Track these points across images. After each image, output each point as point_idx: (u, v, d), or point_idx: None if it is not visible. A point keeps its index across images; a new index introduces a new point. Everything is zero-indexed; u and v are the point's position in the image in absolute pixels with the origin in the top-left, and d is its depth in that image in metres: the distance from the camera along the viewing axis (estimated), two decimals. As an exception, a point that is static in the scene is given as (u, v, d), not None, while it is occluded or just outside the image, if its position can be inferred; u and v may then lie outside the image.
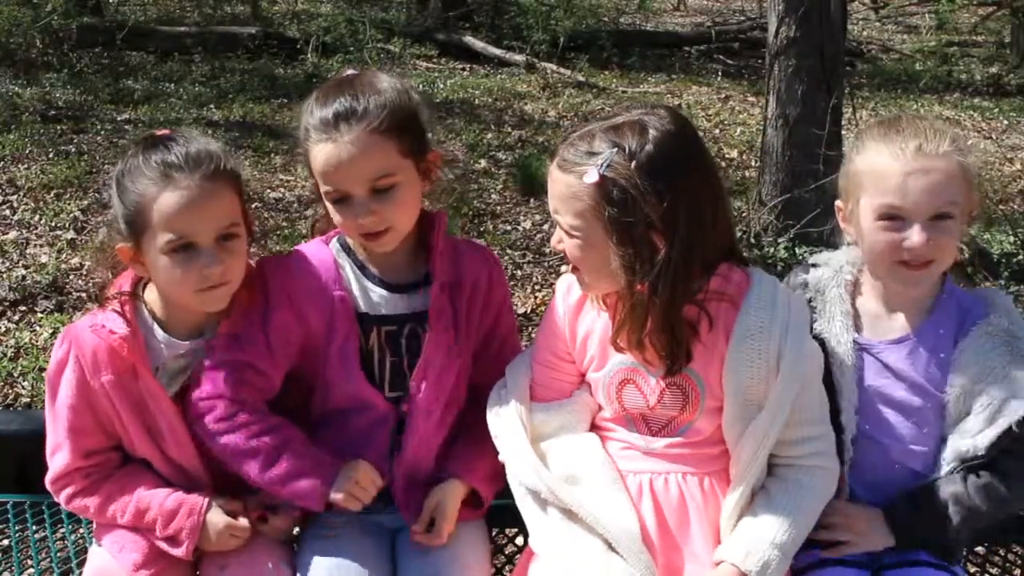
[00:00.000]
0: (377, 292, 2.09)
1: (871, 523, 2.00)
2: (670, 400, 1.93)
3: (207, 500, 2.02)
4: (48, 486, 2.07)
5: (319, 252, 2.11)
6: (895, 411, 2.02)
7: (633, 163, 1.75)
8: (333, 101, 1.95)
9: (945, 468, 2.00)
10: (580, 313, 2.01)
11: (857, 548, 1.99)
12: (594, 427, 2.06)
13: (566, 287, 2.03)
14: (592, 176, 1.76)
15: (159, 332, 2.02)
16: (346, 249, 2.13)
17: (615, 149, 1.77)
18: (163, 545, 2.02)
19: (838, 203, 2.08)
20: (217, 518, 2.01)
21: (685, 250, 1.78)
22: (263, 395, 2.07)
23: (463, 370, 2.14)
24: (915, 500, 2.00)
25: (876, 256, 1.97)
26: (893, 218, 1.91)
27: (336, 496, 1.99)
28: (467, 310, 2.12)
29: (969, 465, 1.97)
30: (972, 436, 1.95)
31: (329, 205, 2.00)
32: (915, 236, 1.88)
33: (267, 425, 2.02)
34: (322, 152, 1.94)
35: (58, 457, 2.03)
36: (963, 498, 1.96)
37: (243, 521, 2.03)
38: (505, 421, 2.03)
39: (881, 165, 1.92)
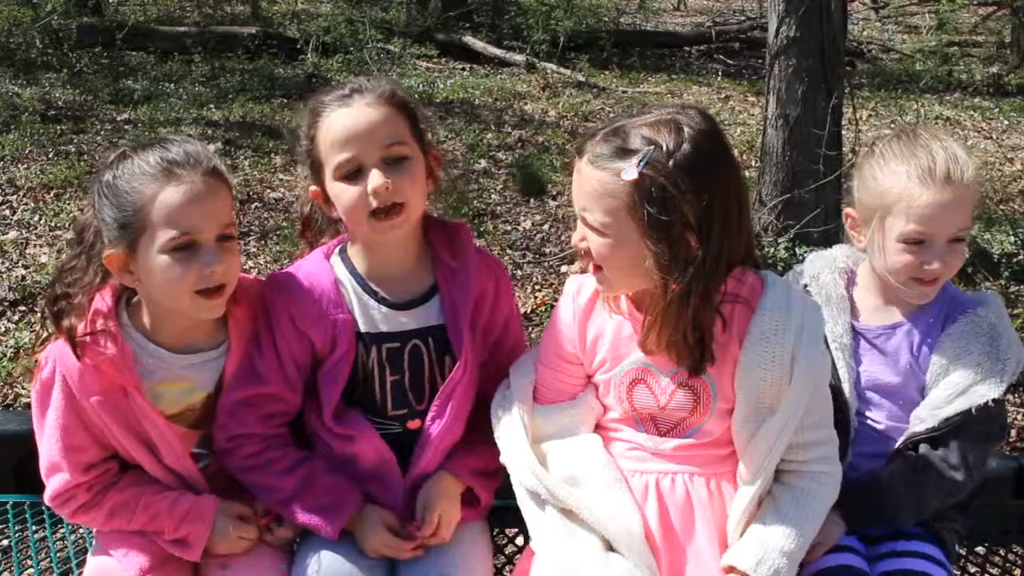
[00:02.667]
0: (379, 310, 2.07)
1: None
2: (681, 401, 1.92)
3: (216, 503, 2.03)
4: (48, 502, 2.04)
5: (320, 270, 2.08)
6: (889, 394, 2.10)
7: (671, 161, 1.73)
8: (346, 84, 2.02)
9: (899, 443, 2.06)
10: (591, 315, 1.99)
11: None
12: (600, 428, 2.05)
13: (576, 288, 2.02)
14: (631, 173, 1.73)
15: (150, 347, 2.00)
16: (348, 266, 2.10)
17: (653, 147, 1.74)
18: (171, 548, 2.02)
19: (849, 210, 2.13)
20: (226, 521, 2.02)
21: (718, 250, 1.77)
22: (287, 417, 2.10)
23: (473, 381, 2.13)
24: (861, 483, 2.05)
25: (894, 272, 2.05)
26: (916, 243, 2.00)
27: (364, 548, 2.03)
28: (472, 320, 2.10)
29: (917, 439, 2.04)
30: (929, 410, 2.02)
31: (340, 185, 1.97)
32: (935, 263, 1.99)
33: (292, 462, 2.05)
34: (339, 117, 1.96)
35: (57, 476, 2.00)
36: (901, 474, 2.03)
37: (251, 525, 2.05)
38: (506, 423, 2.03)
39: (910, 191, 1.98)
